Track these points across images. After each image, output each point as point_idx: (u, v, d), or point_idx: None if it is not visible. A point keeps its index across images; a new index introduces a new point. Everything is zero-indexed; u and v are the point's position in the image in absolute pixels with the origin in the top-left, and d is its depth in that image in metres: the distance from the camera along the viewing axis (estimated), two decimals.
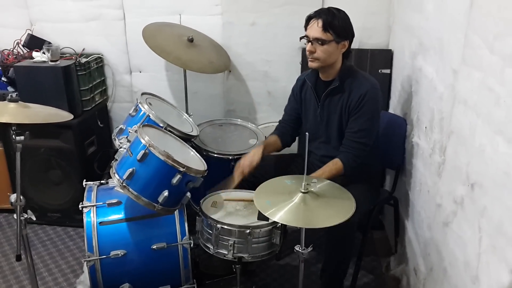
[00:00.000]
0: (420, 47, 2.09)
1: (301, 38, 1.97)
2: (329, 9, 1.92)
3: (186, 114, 2.57)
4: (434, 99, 1.83)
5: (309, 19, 1.94)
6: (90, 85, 2.80)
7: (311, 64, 1.97)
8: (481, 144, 1.34)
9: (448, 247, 1.59)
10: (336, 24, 1.88)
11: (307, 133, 1.61)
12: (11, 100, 1.73)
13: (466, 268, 1.42)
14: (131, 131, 2.06)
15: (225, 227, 1.80)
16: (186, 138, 2.23)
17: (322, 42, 1.89)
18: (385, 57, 2.68)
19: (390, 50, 2.70)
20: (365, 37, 2.68)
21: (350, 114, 1.99)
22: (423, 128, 1.97)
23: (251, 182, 2.00)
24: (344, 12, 1.94)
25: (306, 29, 1.95)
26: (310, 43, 1.92)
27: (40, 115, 1.78)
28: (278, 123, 2.30)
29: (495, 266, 1.23)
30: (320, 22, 1.88)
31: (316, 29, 1.89)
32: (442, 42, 1.77)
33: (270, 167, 2.14)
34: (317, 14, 1.91)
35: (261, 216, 1.74)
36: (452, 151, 1.61)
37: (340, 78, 1.98)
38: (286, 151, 2.30)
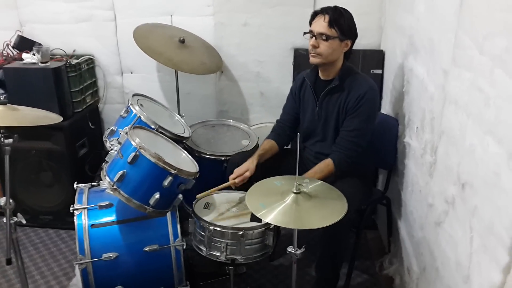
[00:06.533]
0: (411, 48, 2.09)
1: (305, 33, 1.98)
2: (336, 7, 1.94)
3: (178, 115, 2.55)
4: (425, 99, 1.84)
5: (315, 14, 1.96)
6: (81, 87, 2.78)
7: (313, 60, 1.97)
8: (471, 144, 1.35)
9: (440, 247, 1.60)
10: (342, 22, 1.90)
11: (298, 134, 1.61)
12: None
13: (457, 267, 1.42)
14: (122, 132, 2.05)
15: (218, 229, 1.79)
16: (178, 140, 2.21)
17: (327, 37, 1.90)
18: (376, 57, 2.69)
19: (382, 50, 2.70)
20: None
21: (347, 113, 1.99)
22: (415, 128, 1.97)
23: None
24: (350, 12, 1.95)
25: (310, 24, 1.96)
26: (314, 38, 1.93)
27: (28, 118, 1.77)
28: (275, 123, 2.29)
29: (486, 265, 1.23)
30: (326, 18, 1.90)
31: (322, 24, 1.90)
32: (432, 43, 1.78)
33: (261, 164, 2.12)
34: (324, 10, 1.92)
35: (254, 218, 1.74)
36: (443, 151, 1.61)
37: (340, 78, 1.99)
38: None
